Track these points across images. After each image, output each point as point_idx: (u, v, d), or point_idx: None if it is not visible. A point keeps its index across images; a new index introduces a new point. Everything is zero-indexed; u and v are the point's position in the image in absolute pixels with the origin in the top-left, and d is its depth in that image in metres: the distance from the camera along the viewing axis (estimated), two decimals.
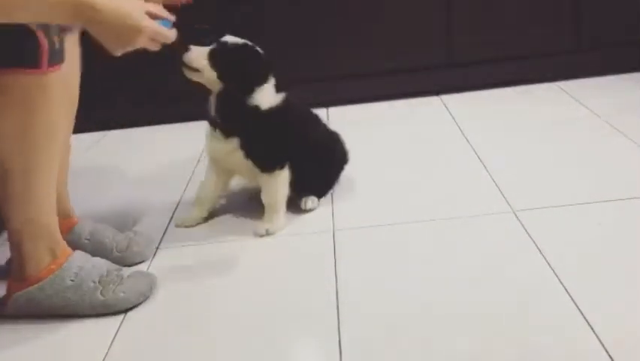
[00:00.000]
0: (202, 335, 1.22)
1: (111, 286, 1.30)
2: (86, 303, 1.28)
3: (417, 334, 1.15)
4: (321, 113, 1.82)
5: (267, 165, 1.56)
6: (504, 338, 1.11)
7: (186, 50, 1.49)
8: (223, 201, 1.71)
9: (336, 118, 2.33)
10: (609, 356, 1.04)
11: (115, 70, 2.38)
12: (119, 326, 1.26)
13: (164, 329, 1.25)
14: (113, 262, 1.39)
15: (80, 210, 1.53)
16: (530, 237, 1.41)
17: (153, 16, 1.14)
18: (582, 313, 1.14)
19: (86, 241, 1.47)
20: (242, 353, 1.15)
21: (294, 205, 1.64)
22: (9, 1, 1.01)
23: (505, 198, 1.60)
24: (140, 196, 1.86)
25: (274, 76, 1.55)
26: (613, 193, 1.58)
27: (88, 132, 2.43)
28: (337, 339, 1.15)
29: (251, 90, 1.52)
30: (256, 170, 1.57)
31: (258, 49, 1.56)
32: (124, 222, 1.67)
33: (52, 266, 1.28)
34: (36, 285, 1.27)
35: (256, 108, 1.52)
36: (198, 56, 1.50)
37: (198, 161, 2.06)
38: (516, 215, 1.52)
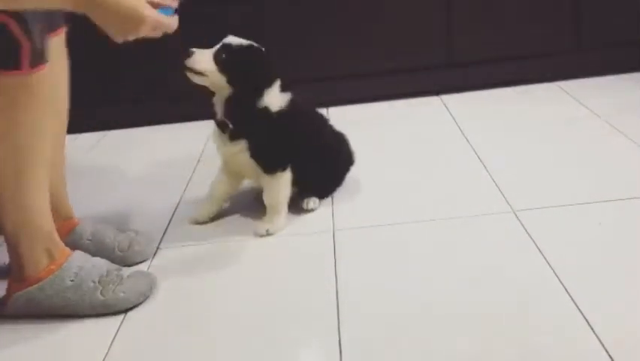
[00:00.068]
0: (202, 335, 1.22)
1: (111, 286, 1.30)
2: (86, 303, 1.28)
3: (417, 334, 1.15)
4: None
5: (270, 166, 1.56)
6: (504, 338, 1.11)
7: (189, 54, 1.46)
8: (225, 202, 1.71)
9: (336, 118, 2.32)
10: (609, 356, 1.04)
11: (115, 70, 2.40)
12: (119, 326, 1.26)
13: (164, 329, 1.25)
14: (115, 262, 1.39)
15: (81, 209, 1.53)
16: (530, 237, 1.41)
17: (155, 5, 1.13)
18: (582, 313, 1.14)
19: (88, 242, 1.46)
20: (242, 353, 1.15)
21: (294, 205, 1.64)
22: None
23: (505, 198, 1.60)
24: (140, 196, 1.86)
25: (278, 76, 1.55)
26: (613, 193, 1.58)
27: (88, 132, 2.43)
28: (337, 339, 1.15)
29: (261, 92, 1.51)
30: (259, 170, 1.57)
31: (263, 49, 1.55)
32: (124, 221, 1.67)
33: (52, 266, 1.28)
34: (36, 285, 1.27)
35: (266, 110, 1.52)
36: (203, 59, 1.47)
37: (198, 161, 2.06)
38: (516, 215, 1.52)
